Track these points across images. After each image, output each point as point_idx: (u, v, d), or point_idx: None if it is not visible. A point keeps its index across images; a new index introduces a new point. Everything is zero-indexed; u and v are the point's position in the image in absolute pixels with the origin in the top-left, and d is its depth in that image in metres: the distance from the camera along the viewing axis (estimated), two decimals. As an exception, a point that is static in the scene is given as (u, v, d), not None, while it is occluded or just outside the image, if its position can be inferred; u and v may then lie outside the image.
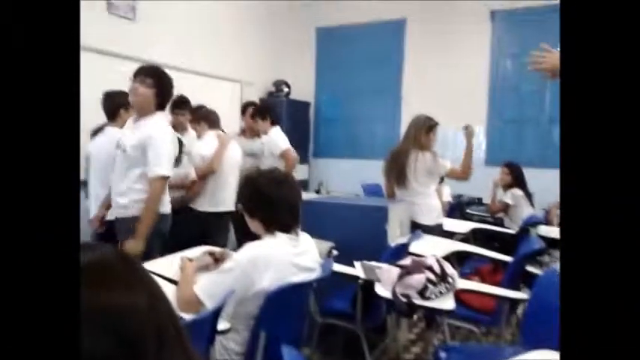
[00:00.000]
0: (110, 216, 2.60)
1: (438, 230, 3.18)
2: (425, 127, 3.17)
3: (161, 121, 2.45)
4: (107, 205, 2.68)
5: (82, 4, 2.94)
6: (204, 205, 3.35)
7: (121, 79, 3.76)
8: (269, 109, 3.85)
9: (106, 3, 3.85)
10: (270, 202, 1.69)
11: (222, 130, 3.54)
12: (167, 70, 4.26)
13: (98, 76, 3.65)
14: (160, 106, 2.45)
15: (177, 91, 3.70)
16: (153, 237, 2.36)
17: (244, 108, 4.12)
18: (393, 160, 3.24)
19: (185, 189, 3.32)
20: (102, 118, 3.15)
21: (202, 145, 3.37)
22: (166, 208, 2.51)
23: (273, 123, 3.72)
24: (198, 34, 4.71)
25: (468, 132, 3.27)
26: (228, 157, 3.38)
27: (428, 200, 3.19)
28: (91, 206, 2.87)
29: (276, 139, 3.64)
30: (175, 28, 4.44)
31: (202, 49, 4.76)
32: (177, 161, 3.37)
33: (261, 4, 5.54)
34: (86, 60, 3.60)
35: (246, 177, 1.87)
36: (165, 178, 2.39)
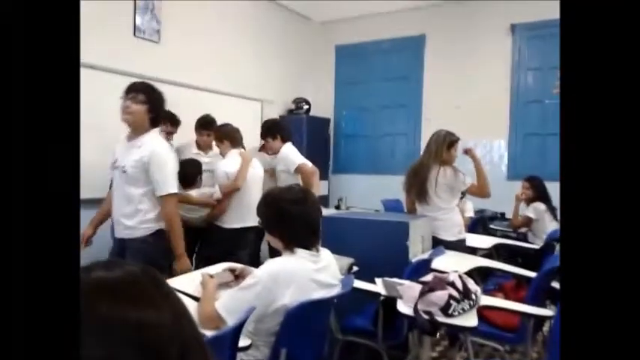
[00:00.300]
0: (118, 234, 2.53)
1: (460, 246, 3.14)
2: (446, 143, 3.16)
3: (158, 137, 2.46)
4: (97, 223, 2.66)
5: (109, 28, 3.08)
6: (228, 221, 3.40)
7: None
8: (277, 127, 3.80)
9: (132, 27, 3.98)
10: (288, 219, 1.71)
11: (244, 148, 3.59)
12: (189, 90, 4.41)
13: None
14: (154, 122, 2.44)
15: (198, 109, 3.82)
16: (164, 254, 2.39)
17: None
18: (413, 176, 3.23)
19: (211, 207, 3.38)
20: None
21: (226, 163, 3.43)
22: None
23: (284, 140, 3.72)
24: (219, 56, 4.82)
25: (471, 154, 3.26)
26: (250, 173, 3.44)
27: (449, 216, 3.16)
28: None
29: (287, 156, 3.62)
30: (198, 49, 4.56)
31: (224, 69, 4.86)
32: (198, 181, 3.44)
33: (280, 24, 5.65)
34: (113, 82, 3.73)
35: (265, 194, 1.89)
36: (175, 195, 2.42)
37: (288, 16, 5.76)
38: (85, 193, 3.21)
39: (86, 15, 3.73)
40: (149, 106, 2.38)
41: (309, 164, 3.55)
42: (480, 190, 3.22)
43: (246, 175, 3.37)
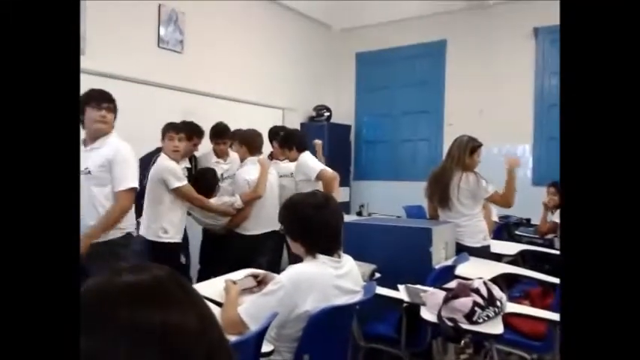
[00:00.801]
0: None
1: (485, 252, 3.09)
2: (469, 148, 3.11)
3: (118, 138, 2.52)
4: None
5: (134, 39, 3.16)
6: (248, 228, 3.43)
7: (171, 108, 3.96)
8: (291, 137, 3.75)
9: (156, 38, 4.07)
10: (310, 226, 1.71)
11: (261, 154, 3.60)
12: (212, 99, 4.46)
13: (149, 106, 3.85)
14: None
15: (220, 118, 3.87)
16: (108, 255, 2.36)
17: (270, 134, 4.13)
18: (435, 182, 3.20)
19: (232, 215, 3.42)
20: (153, 144, 3.32)
21: (247, 170, 3.46)
22: (130, 227, 2.54)
23: (300, 149, 3.64)
24: (241, 65, 4.88)
25: (511, 163, 3.18)
26: (269, 179, 3.47)
27: (473, 222, 3.11)
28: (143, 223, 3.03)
29: (306, 163, 3.56)
30: (220, 59, 4.63)
31: (246, 78, 4.92)
32: (216, 189, 3.47)
33: (301, 32, 5.70)
34: (138, 91, 3.82)
35: (287, 201, 1.89)
36: (132, 190, 2.46)
37: (309, 24, 5.81)
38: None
39: (112, 27, 3.86)
40: (115, 114, 2.52)
41: (329, 170, 3.53)
42: (505, 200, 3.15)
43: (266, 182, 3.40)
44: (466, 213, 3.09)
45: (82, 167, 2.39)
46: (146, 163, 3.20)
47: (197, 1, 4.36)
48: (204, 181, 3.37)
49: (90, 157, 2.42)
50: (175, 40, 4.22)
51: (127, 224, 2.55)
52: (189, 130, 3.38)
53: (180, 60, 4.26)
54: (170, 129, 3.06)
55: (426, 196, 3.31)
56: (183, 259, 3.05)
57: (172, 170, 2.98)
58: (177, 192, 2.99)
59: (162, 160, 3.03)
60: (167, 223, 3.00)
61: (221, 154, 3.77)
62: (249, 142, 3.51)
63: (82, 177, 2.37)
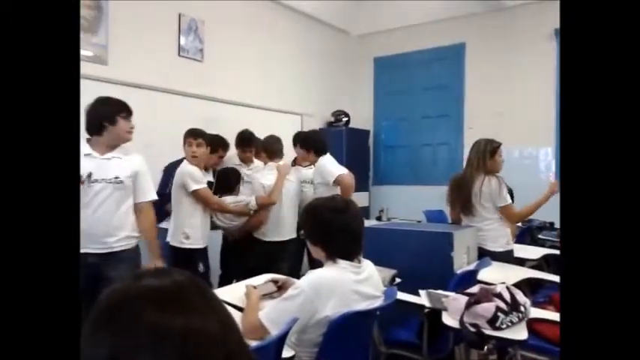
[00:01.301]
0: (101, 250, 2.35)
1: (508, 257, 3.03)
2: (488, 151, 3.07)
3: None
4: None
5: (155, 49, 3.21)
6: (268, 234, 3.45)
7: (191, 116, 4.02)
8: (310, 140, 3.69)
9: (176, 47, 4.14)
10: (330, 230, 1.71)
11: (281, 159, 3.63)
12: (231, 106, 4.51)
13: (170, 114, 3.92)
14: None
15: (240, 125, 3.91)
16: (132, 266, 2.41)
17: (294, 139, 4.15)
18: (457, 189, 3.15)
19: (247, 216, 3.43)
20: (174, 151, 3.37)
21: (264, 175, 3.50)
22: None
23: (318, 152, 3.59)
24: (260, 72, 4.93)
25: (553, 188, 3.10)
26: (287, 186, 3.47)
27: (496, 226, 3.06)
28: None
29: (325, 167, 3.51)
30: (239, 66, 4.68)
31: (264, 84, 4.96)
32: (236, 189, 3.50)
33: (319, 39, 5.72)
34: (159, 100, 3.89)
35: (307, 205, 1.90)
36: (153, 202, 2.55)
37: (326, 30, 5.83)
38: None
39: (134, 37, 3.94)
40: None
41: (349, 176, 3.49)
42: (515, 218, 3.11)
43: (281, 189, 3.40)
44: (489, 217, 3.04)
45: (111, 175, 2.35)
46: (171, 170, 3.26)
47: (216, 10, 4.42)
48: (225, 178, 3.41)
49: (116, 166, 2.38)
50: (195, 49, 4.28)
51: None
52: (214, 142, 3.43)
53: (201, 68, 4.32)
54: (188, 135, 3.10)
55: (447, 203, 3.27)
56: (201, 268, 3.07)
57: (191, 173, 3.02)
58: (196, 195, 3.03)
59: (183, 165, 3.08)
60: (188, 227, 3.04)
61: (246, 162, 3.81)
62: (267, 147, 3.57)
63: (110, 185, 2.35)
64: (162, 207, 3.14)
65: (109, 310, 0.57)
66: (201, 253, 3.14)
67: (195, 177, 3.04)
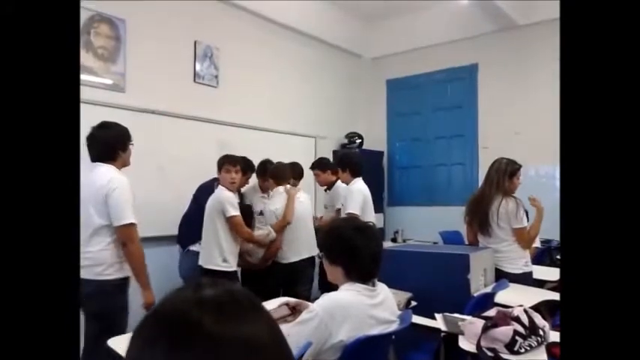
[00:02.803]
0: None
1: (526, 279, 2.98)
2: (507, 172, 3.04)
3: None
4: None
5: (172, 76, 3.29)
6: (283, 257, 3.49)
7: (206, 140, 4.09)
8: (348, 158, 3.86)
9: (192, 73, 4.24)
10: (352, 250, 1.70)
11: (290, 183, 3.67)
12: (246, 130, 4.58)
13: (185, 138, 3.99)
14: None
15: (254, 148, 3.96)
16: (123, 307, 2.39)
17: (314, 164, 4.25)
18: (475, 207, 3.12)
19: (266, 247, 3.48)
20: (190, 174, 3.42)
21: (273, 202, 3.55)
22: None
23: (354, 173, 3.71)
24: (274, 96, 5.00)
25: (535, 204, 3.12)
26: (298, 207, 3.51)
27: (514, 247, 3.01)
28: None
29: (352, 195, 3.59)
30: (253, 91, 4.76)
31: (278, 108, 5.03)
32: (252, 226, 3.55)
33: (332, 62, 5.80)
34: (175, 125, 3.97)
35: (329, 225, 1.91)
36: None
37: (339, 54, 5.91)
38: (150, 231, 3.42)
39: (151, 65, 4.04)
40: None
41: (355, 214, 3.48)
42: (526, 241, 3.04)
43: (293, 209, 3.46)
44: (506, 238, 3.00)
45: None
46: (203, 191, 3.40)
47: (231, 36, 4.53)
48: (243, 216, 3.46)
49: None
50: (211, 75, 4.37)
51: None
52: (245, 165, 3.54)
53: (216, 93, 4.41)
54: (227, 162, 3.17)
55: (465, 221, 3.24)
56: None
57: (230, 200, 3.12)
58: (232, 221, 3.11)
59: (221, 191, 3.16)
60: (227, 252, 3.13)
61: (265, 190, 3.87)
62: (274, 174, 3.63)
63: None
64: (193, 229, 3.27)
65: (166, 320, 0.56)
66: (234, 276, 3.23)
67: (234, 204, 3.15)
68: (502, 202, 2.98)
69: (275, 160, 3.86)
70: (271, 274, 3.51)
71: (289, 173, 3.69)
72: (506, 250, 3.00)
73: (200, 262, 3.16)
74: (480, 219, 3.06)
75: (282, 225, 3.43)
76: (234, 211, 3.12)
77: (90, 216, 2.30)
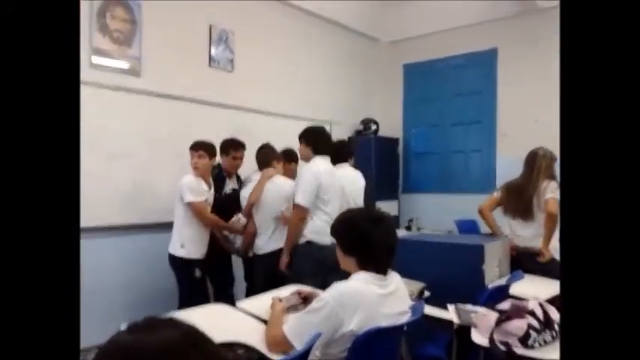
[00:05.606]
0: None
1: (556, 268, 2.96)
2: (554, 158, 3.16)
3: None
4: None
5: (187, 60, 3.28)
6: (264, 247, 3.26)
7: (221, 125, 4.07)
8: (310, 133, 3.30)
9: (207, 58, 4.21)
10: (368, 241, 1.69)
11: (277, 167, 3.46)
12: (261, 115, 4.55)
13: (201, 123, 3.98)
14: None
15: (269, 133, 3.93)
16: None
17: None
18: (517, 195, 3.18)
19: (241, 233, 3.42)
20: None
21: (247, 188, 3.41)
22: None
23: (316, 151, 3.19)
24: (289, 81, 4.96)
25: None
26: (274, 190, 3.25)
27: (556, 232, 3.06)
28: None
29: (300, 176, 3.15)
30: (268, 76, 4.72)
31: (294, 93, 4.99)
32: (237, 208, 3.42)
33: (348, 46, 5.71)
34: (190, 109, 3.96)
35: (342, 216, 1.87)
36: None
37: (356, 37, 5.82)
38: (159, 217, 3.45)
39: (166, 49, 4.02)
40: None
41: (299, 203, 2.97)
42: (553, 214, 2.95)
43: (259, 191, 3.22)
44: None
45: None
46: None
47: (246, 20, 4.48)
48: (226, 206, 3.40)
49: None
50: (226, 59, 4.35)
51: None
52: (210, 149, 3.29)
53: (231, 78, 4.38)
54: (190, 147, 3.23)
55: (503, 210, 3.26)
56: (198, 273, 3.12)
57: (190, 185, 3.09)
58: (191, 207, 3.10)
59: (185, 176, 3.16)
60: (186, 239, 3.13)
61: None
62: (257, 158, 3.48)
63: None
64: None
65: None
66: (198, 263, 3.17)
67: (194, 189, 3.09)
68: (549, 186, 3.06)
69: (291, 145, 3.74)
70: (254, 266, 3.37)
71: (271, 157, 3.42)
72: None
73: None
74: (523, 206, 3.13)
75: (248, 208, 3.27)
76: (193, 197, 3.04)
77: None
